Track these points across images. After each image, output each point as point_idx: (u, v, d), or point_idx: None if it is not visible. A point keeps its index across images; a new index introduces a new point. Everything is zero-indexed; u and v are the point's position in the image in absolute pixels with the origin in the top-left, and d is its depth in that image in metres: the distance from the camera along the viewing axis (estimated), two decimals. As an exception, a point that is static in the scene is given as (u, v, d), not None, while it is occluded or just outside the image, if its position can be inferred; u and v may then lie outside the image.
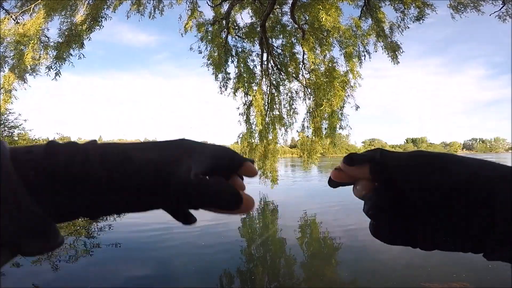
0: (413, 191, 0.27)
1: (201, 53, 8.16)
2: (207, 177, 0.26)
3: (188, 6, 7.58)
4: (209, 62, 8.12)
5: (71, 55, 5.86)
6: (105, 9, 5.56)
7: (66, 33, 5.50)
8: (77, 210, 0.25)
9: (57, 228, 0.24)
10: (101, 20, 5.61)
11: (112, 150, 0.26)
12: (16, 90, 6.12)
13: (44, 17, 5.13)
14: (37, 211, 0.22)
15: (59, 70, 5.75)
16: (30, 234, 0.22)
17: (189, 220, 0.27)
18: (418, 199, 0.27)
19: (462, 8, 7.12)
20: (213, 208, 0.26)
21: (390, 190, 0.28)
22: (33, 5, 5.18)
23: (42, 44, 5.59)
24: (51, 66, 5.70)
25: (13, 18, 5.33)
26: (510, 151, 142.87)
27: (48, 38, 5.66)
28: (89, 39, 5.91)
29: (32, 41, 5.31)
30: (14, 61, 5.61)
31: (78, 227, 6.02)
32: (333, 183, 0.33)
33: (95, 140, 0.27)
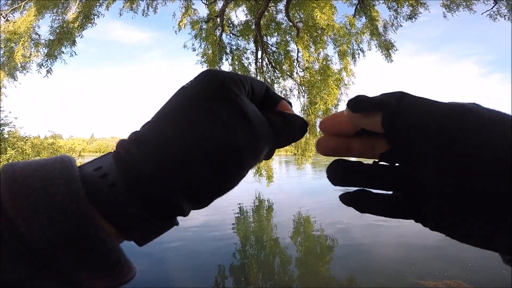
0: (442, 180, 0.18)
1: (195, 50, 8.13)
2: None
3: (182, 4, 7.52)
4: (203, 59, 8.08)
5: (63, 52, 5.79)
6: (97, 7, 5.49)
7: (58, 30, 5.41)
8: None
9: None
10: (94, 18, 5.53)
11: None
12: (5, 87, 6.05)
13: (35, 14, 5.04)
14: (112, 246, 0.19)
15: (50, 68, 5.69)
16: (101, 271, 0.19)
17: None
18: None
19: (455, 7, 7.19)
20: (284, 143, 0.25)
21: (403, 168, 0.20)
22: (23, 3, 5.09)
23: (32, 42, 5.50)
24: (42, 64, 5.63)
25: (3, 16, 5.23)
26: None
27: (39, 35, 5.58)
28: (81, 37, 5.84)
29: (23, 39, 5.22)
30: (3, 58, 5.52)
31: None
32: (339, 175, 0.23)
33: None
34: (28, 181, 0.18)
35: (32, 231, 0.17)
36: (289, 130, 0.25)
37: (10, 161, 5.92)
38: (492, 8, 6.78)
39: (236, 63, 8.24)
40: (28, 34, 5.26)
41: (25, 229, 0.17)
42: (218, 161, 0.21)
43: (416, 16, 7.41)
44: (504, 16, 6.70)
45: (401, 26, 7.65)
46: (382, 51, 7.74)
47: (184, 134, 0.21)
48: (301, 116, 0.26)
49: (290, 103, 0.27)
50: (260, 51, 8.04)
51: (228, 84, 0.22)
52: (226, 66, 8.36)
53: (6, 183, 0.18)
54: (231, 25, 8.14)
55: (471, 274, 3.73)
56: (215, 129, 0.21)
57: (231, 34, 8.20)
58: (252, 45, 8.25)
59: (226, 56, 8.30)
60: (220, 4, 7.69)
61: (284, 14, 7.53)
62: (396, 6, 7.50)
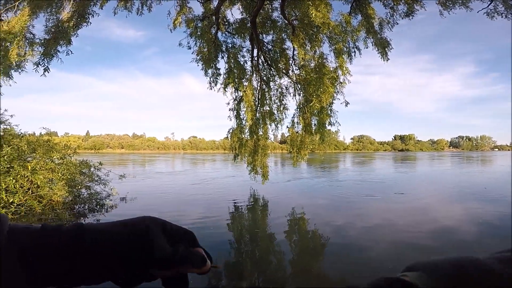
0: None
1: (190, 48, 8.13)
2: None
3: (177, 2, 7.50)
4: (198, 57, 8.08)
5: (59, 51, 5.82)
6: (92, 6, 5.49)
7: (53, 29, 5.43)
8: (60, 276, 0.33)
9: None
10: (88, 17, 5.54)
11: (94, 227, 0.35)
12: (1, 86, 6.08)
13: (29, 14, 5.05)
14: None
15: (47, 66, 5.72)
16: None
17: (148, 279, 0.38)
18: None
19: (451, 5, 7.15)
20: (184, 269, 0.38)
21: None
22: (17, 3, 5.08)
23: (27, 41, 5.52)
24: (39, 63, 5.66)
25: (-4, 16, 5.24)
26: (495, 149, 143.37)
27: (33, 35, 5.60)
28: (77, 36, 5.86)
29: (17, 38, 5.24)
30: (-1, 58, 5.54)
31: (63, 222, 5.98)
32: None
33: (81, 223, 0.36)
34: None
35: None
36: (191, 257, 0.38)
37: (6, 157, 5.94)
38: (488, 6, 6.76)
39: (232, 61, 8.24)
40: (23, 33, 5.28)
41: None
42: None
43: (412, 14, 7.39)
44: (502, 14, 6.67)
45: (397, 24, 7.63)
46: (378, 49, 7.73)
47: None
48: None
49: (208, 254, 0.42)
50: (256, 49, 8.04)
51: (152, 221, 0.38)
52: (222, 64, 8.39)
53: None
54: (226, 23, 8.11)
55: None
56: (130, 237, 0.35)
57: (227, 32, 8.19)
58: (248, 43, 8.25)
59: (222, 54, 8.31)
60: (215, 2, 7.68)
61: (279, 12, 7.52)
62: (392, 4, 7.48)
